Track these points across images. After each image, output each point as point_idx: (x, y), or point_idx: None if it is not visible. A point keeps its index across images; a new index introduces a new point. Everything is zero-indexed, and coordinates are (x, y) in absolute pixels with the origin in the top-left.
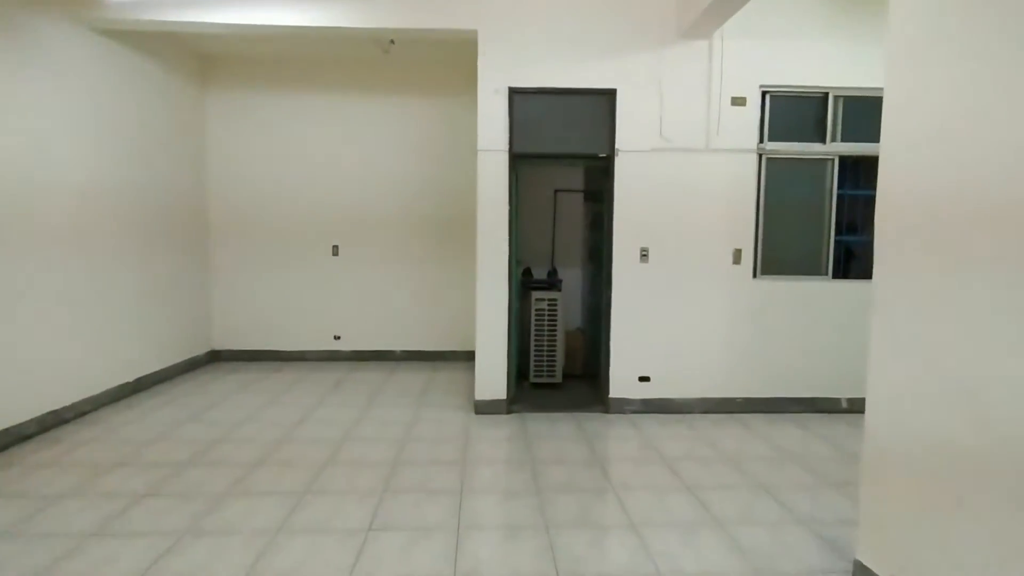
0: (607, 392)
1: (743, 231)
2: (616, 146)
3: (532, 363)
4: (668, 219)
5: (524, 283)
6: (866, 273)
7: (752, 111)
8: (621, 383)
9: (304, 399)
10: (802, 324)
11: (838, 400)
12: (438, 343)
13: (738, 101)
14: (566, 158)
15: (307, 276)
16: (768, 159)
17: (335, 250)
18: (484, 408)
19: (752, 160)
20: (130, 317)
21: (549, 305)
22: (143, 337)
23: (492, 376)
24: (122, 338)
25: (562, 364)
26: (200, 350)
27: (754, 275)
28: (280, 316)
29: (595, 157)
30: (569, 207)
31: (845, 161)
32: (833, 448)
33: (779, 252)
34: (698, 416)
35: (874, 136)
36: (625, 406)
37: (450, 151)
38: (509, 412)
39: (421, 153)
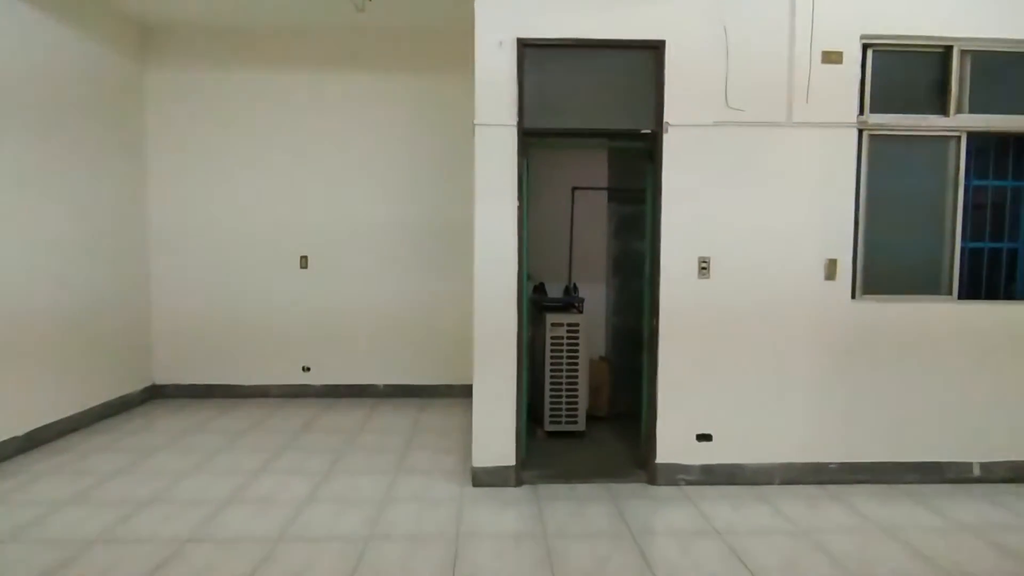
0: (652, 454)
1: (838, 235)
2: (664, 119)
3: (547, 406)
4: (736, 219)
5: (536, 303)
6: (1008, 292)
7: (850, 71)
8: (672, 443)
9: (248, 458)
10: (919, 361)
11: (968, 466)
12: (428, 375)
13: (832, 57)
14: (596, 136)
15: (269, 293)
16: (871, 136)
17: (303, 262)
18: (484, 478)
19: (850, 138)
20: (36, 348)
21: (569, 331)
22: (53, 372)
23: (495, 433)
24: (17, 374)
25: (585, 406)
26: (135, 385)
27: (853, 295)
28: (236, 342)
29: (634, 135)
30: (590, 209)
31: (975, 140)
32: (994, 549)
33: (887, 264)
34: (779, 489)
35: (1017, 105)
36: (678, 475)
37: (447, 139)
38: (519, 483)
39: (411, 142)
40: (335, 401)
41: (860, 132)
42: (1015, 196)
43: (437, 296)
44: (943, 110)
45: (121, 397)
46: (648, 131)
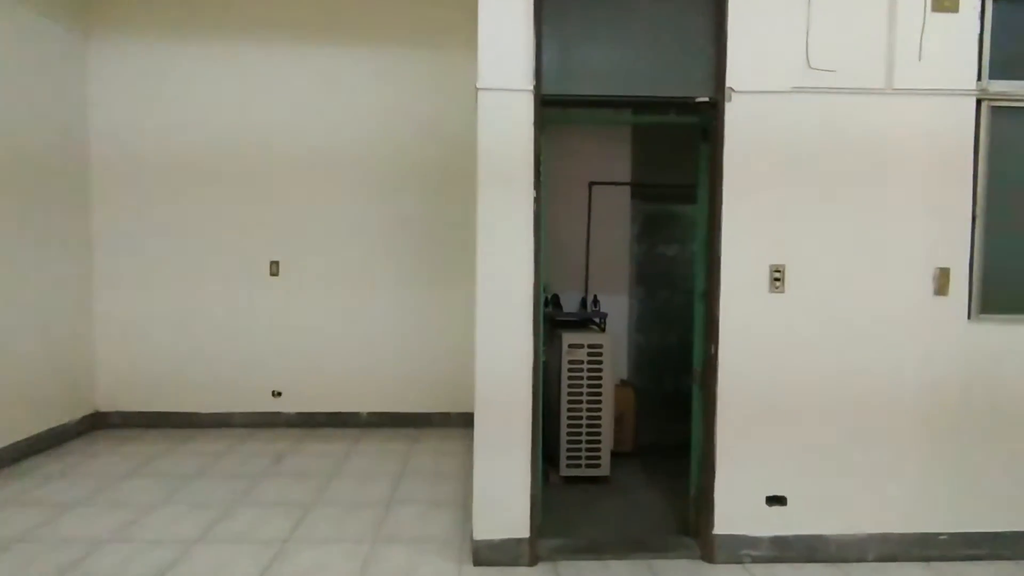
0: (708, 521)
1: (951, 237)
2: (728, 83)
3: (564, 446)
4: (819, 216)
5: (549, 319)
6: None
7: (967, 24)
8: (734, 506)
9: (187, 519)
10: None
11: None
12: (422, 402)
13: (945, 5)
14: (636, 106)
15: (233, 304)
16: (993, 109)
17: (273, 268)
18: (489, 555)
19: (967, 109)
20: None
21: (591, 354)
22: None
23: (503, 495)
24: None
25: (610, 445)
26: (72, 414)
27: (969, 315)
28: (193, 361)
29: (687, 105)
30: (610, 208)
31: None
32: None
33: (1013, 274)
34: (873, 569)
35: None
36: (742, 549)
37: (449, 122)
38: (534, 562)
39: (405, 126)
40: (309, 432)
41: (979, 103)
42: None
43: (435, 307)
44: None
45: (53, 429)
46: (706, 99)
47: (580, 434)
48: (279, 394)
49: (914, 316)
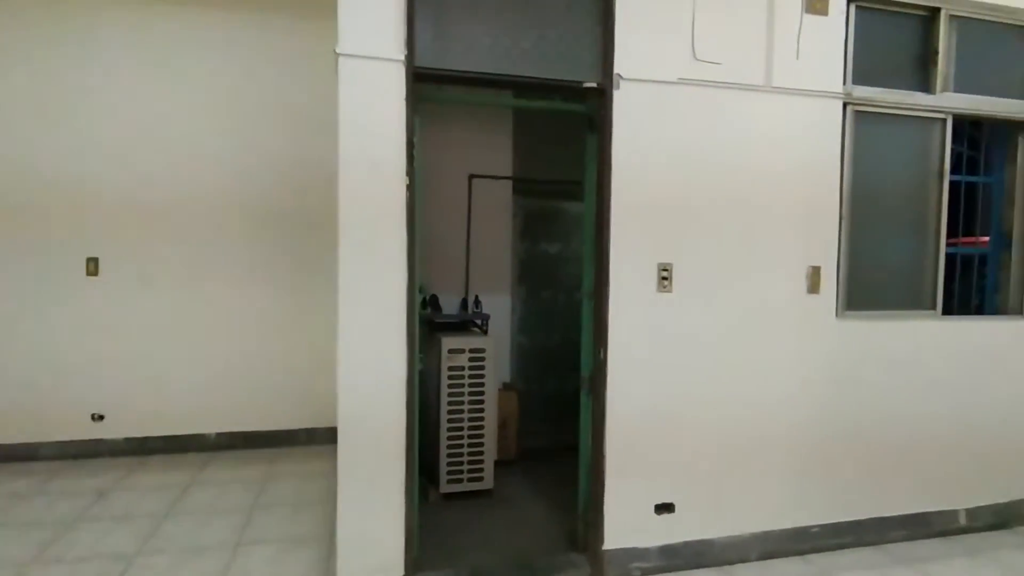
0: (598, 536)
1: (822, 237)
2: (616, 69)
3: (444, 460)
4: (706, 213)
5: (427, 322)
6: (981, 306)
7: (836, 28)
8: (624, 518)
9: None
10: (907, 392)
11: (955, 514)
12: (283, 418)
13: (816, 7)
14: (520, 87)
15: (41, 309)
16: (856, 112)
17: (92, 266)
18: None
19: (835, 112)
20: None
21: (472, 359)
22: None
23: (373, 526)
24: None
25: (493, 456)
26: None
27: (837, 312)
28: None
29: (574, 90)
30: (491, 203)
31: (961, 125)
32: None
33: (871, 272)
34: (757, 569)
35: (1001, 86)
36: (632, 562)
37: (316, 102)
38: None
39: (262, 108)
40: (142, 461)
41: (845, 106)
42: (987, 194)
43: (294, 307)
44: (928, 87)
45: None
46: (593, 85)
47: (461, 446)
48: (101, 417)
49: (790, 314)
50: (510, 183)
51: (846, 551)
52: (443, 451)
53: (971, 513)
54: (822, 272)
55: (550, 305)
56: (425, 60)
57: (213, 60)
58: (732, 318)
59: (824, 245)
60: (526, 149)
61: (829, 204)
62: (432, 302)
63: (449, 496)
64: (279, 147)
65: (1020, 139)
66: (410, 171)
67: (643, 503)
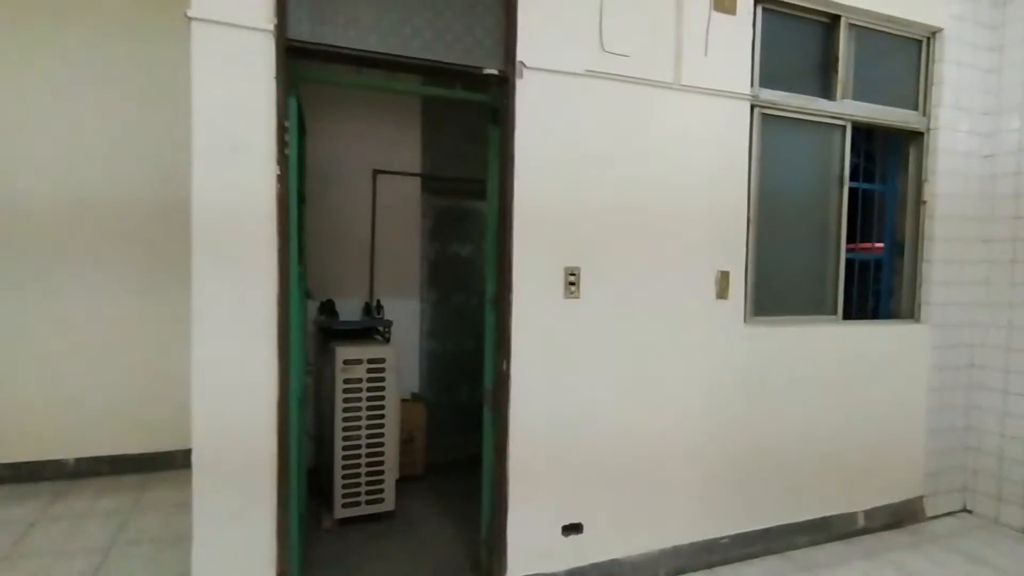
0: (500, 563)
1: (731, 241)
2: (519, 56)
3: (339, 482)
4: (614, 214)
5: (323, 329)
6: (876, 310)
7: (743, 28)
8: (530, 542)
9: None
10: (812, 397)
11: (854, 516)
12: (156, 438)
13: (725, 4)
14: (416, 69)
15: None
16: (763, 115)
17: None
18: None
19: (743, 114)
20: None
21: (372, 369)
22: None
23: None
24: None
25: (396, 474)
26: None
27: (745, 318)
28: None
29: (473, 76)
30: (398, 201)
31: (859, 132)
32: None
33: (777, 277)
34: None
35: (895, 96)
36: None
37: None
38: None
39: (110, 63)
40: None
41: (752, 108)
42: (882, 201)
43: (168, 316)
44: (829, 93)
45: None
46: (494, 72)
47: (359, 466)
48: None
49: (700, 320)
50: (419, 180)
51: (754, 561)
52: (338, 473)
53: (868, 514)
54: (731, 277)
55: (463, 309)
56: (299, 33)
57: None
58: (642, 325)
59: (733, 249)
60: (436, 144)
61: (738, 208)
62: (327, 308)
63: (345, 522)
64: (139, 118)
65: (911, 149)
66: (282, 160)
67: (550, 525)
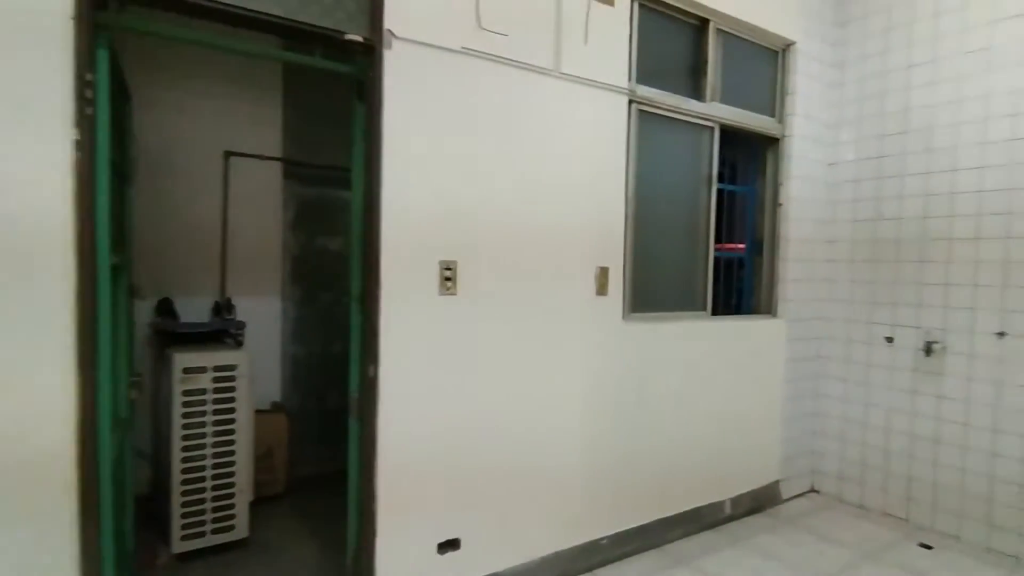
0: None
1: (610, 236)
2: (386, 24)
3: (176, 511)
4: (495, 204)
5: (158, 332)
6: (739, 306)
7: (621, 20)
8: (402, 563)
9: None
10: (685, 392)
11: (722, 505)
12: None
13: None
14: (261, 25)
15: None
16: (640, 112)
17: None
18: None
19: (621, 108)
20: None
21: (219, 378)
22: None
23: None
24: None
25: (249, 496)
26: None
27: (624, 314)
28: None
29: (333, 40)
30: (255, 188)
31: (726, 134)
32: None
33: (653, 274)
34: None
35: (756, 102)
36: None
37: None
38: None
39: None
40: None
41: (630, 104)
42: (743, 203)
43: None
44: (699, 95)
45: None
46: (358, 38)
47: (203, 490)
48: None
49: (580, 318)
50: (279, 165)
51: (632, 559)
52: (176, 499)
53: (735, 502)
54: (610, 273)
55: (331, 308)
56: None
57: None
58: (522, 323)
59: (612, 245)
60: (299, 125)
61: (616, 203)
62: (164, 308)
63: (187, 556)
64: None
65: (769, 154)
66: (83, 123)
67: (424, 543)
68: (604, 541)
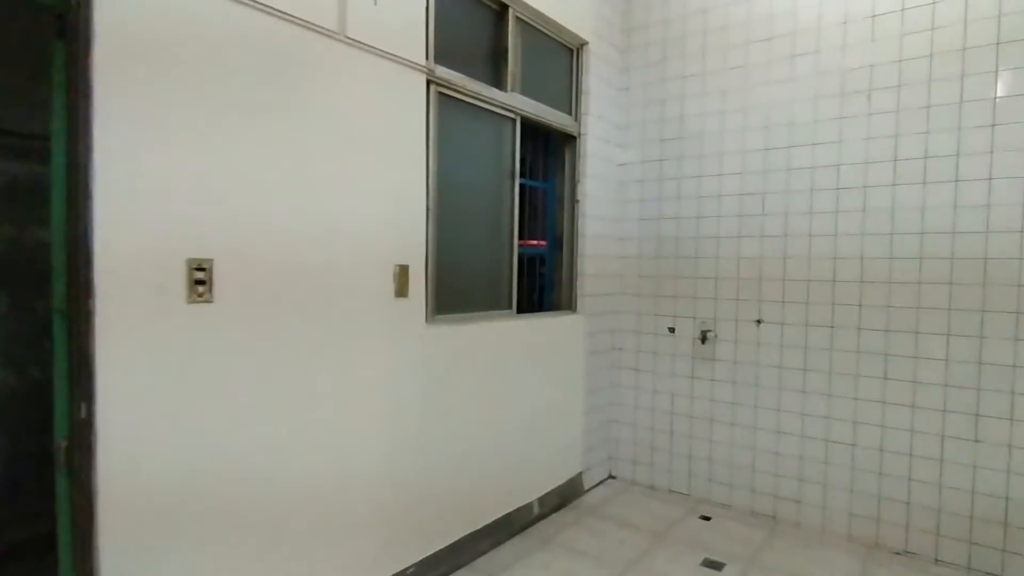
0: None
1: (410, 230)
2: None
3: None
4: (267, 184)
5: None
6: (542, 303)
7: None
8: None
9: None
10: (493, 395)
11: (530, 507)
12: None
13: None
14: None
15: None
16: (440, 94)
17: None
18: None
19: (419, 87)
20: None
21: None
22: None
23: None
24: None
25: None
26: None
27: (427, 317)
28: None
29: None
30: None
31: (527, 127)
32: None
33: (457, 272)
34: None
35: (555, 98)
36: None
37: None
38: None
39: None
40: None
41: (429, 84)
42: (544, 198)
43: None
44: (501, 84)
45: None
46: None
47: None
48: None
49: (377, 323)
50: None
51: None
52: None
53: (542, 500)
54: (410, 272)
55: (46, 324)
56: None
57: None
58: (303, 333)
59: (412, 240)
60: None
61: (416, 194)
62: None
63: None
64: None
65: (567, 150)
66: None
67: None
68: (411, 570)
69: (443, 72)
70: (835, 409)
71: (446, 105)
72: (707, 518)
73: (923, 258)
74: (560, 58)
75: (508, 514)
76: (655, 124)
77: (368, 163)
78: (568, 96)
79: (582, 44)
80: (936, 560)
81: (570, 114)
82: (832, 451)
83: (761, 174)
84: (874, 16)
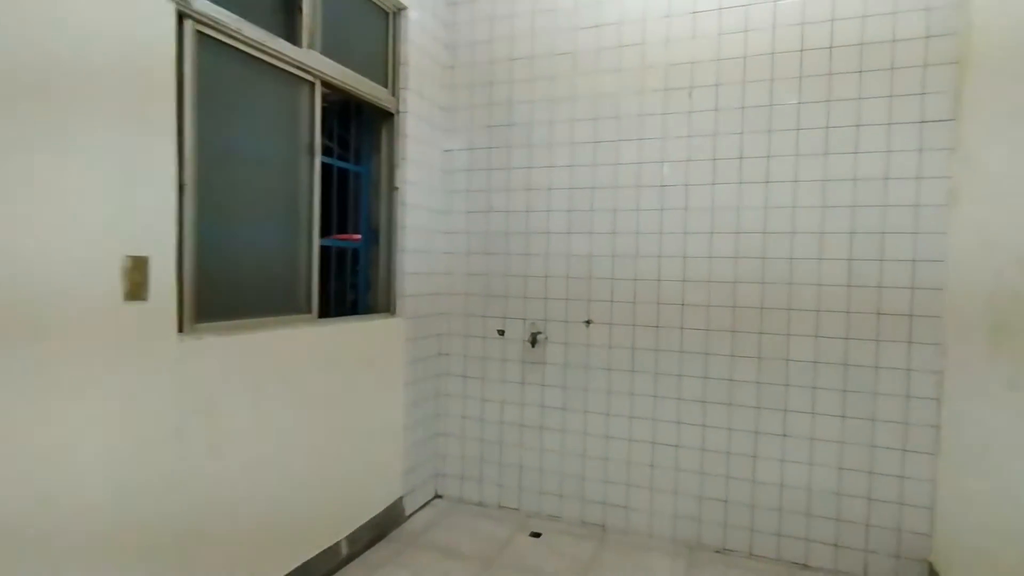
0: None
1: (151, 208)
2: None
3: None
4: None
5: None
6: (356, 305)
7: None
8: None
9: None
10: (288, 420)
11: (337, 547)
12: None
13: None
14: None
15: None
16: (200, 35)
17: None
18: None
19: (163, 17)
20: None
21: None
22: None
23: None
24: None
25: None
26: None
27: (182, 326)
28: None
29: None
30: None
31: (335, 101)
32: None
33: (232, 267)
34: None
35: (367, 66)
36: None
37: None
38: None
39: None
40: None
41: (181, 19)
42: (356, 184)
43: None
44: (295, 38)
45: None
46: None
47: None
48: None
49: (96, 341)
50: None
51: None
52: None
53: (351, 539)
54: (150, 265)
55: None
56: None
57: None
58: None
59: (154, 223)
60: None
61: (161, 162)
62: None
63: None
64: None
65: (384, 129)
66: None
67: None
68: None
69: (205, 6)
70: (660, 410)
71: (212, 52)
72: (537, 534)
73: (738, 257)
74: (373, 20)
75: (306, 563)
76: (483, 109)
77: (92, 124)
78: (383, 66)
79: (400, 8)
80: (751, 555)
81: (386, 87)
82: (658, 453)
83: (590, 168)
84: (695, 13)
